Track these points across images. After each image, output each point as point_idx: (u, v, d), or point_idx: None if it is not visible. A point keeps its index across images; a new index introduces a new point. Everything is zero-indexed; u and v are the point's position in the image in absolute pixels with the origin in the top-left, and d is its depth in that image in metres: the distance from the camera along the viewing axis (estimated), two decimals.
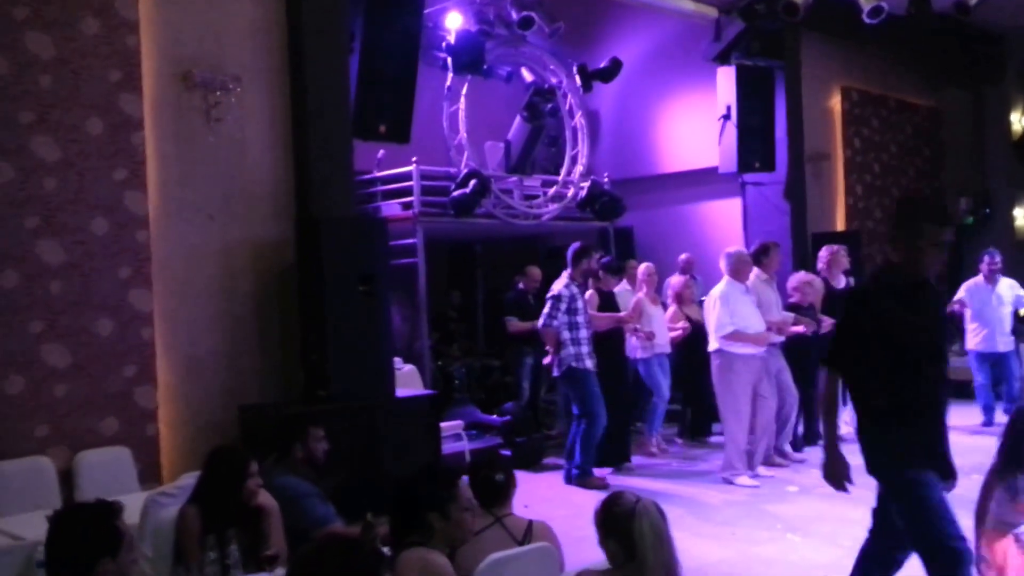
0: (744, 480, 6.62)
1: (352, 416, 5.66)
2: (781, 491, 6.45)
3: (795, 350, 7.28)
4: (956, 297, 8.61)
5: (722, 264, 6.89)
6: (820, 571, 4.75)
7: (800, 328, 7.26)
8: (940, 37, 10.83)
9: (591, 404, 6.81)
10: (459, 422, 7.49)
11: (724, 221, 10.67)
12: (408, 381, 7.10)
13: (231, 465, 3.41)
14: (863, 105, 11.48)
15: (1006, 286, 8.57)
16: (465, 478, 2.96)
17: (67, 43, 5.25)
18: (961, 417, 8.72)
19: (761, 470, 6.89)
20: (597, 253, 7.36)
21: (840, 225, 11.06)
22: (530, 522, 3.07)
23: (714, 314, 6.68)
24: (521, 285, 8.57)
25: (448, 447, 7.01)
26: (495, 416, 8.65)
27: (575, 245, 7.18)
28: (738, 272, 6.78)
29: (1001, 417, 8.50)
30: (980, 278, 8.62)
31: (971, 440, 8.06)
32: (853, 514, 5.71)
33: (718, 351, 6.69)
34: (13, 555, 3.37)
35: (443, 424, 7.00)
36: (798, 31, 10.19)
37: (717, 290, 6.81)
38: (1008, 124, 12.80)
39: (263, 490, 3.47)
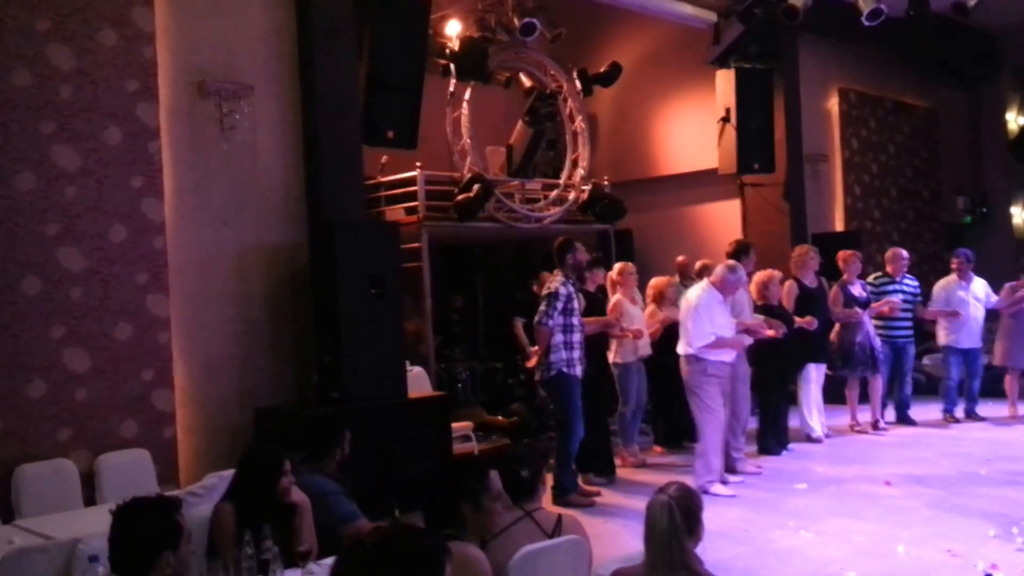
0: (720, 489, 6.40)
1: (365, 417, 5.76)
2: (790, 488, 6.52)
3: (766, 353, 7.26)
4: (934, 298, 8.86)
5: (718, 270, 6.62)
6: (836, 566, 4.80)
7: (771, 332, 7.21)
8: (935, 38, 10.98)
9: (571, 415, 6.37)
10: (469, 423, 7.57)
11: (723, 223, 10.77)
12: (417, 383, 7.19)
13: (266, 463, 3.52)
14: (860, 106, 11.62)
15: (979, 285, 8.80)
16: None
17: (87, 54, 5.36)
18: (927, 413, 8.90)
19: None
20: (580, 244, 6.76)
21: (839, 225, 11.19)
22: (559, 515, 3.16)
23: (692, 322, 6.45)
24: (535, 288, 8.62)
25: (458, 448, 7.09)
26: (501, 417, 8.76)
27: (558, 241, 6.71)
28: (726, 288, 6.54)
29: (960, 413, 8.80)
30: (953, 276, 8.83)
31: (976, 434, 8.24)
32: (865, 511, 5.84)
33: (694, 356, 6.44)
34: (50, 553, 3.44)
35: (453, 425, 7.08)
36: (795, 34, 10.33)
37: (694, 295, 6.56)
38: (1004, 123, 12.93)
39: (295, 487, 3.58)
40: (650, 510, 2.65)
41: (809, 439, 8.12)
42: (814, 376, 8.11)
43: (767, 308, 7.51)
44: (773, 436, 7.73)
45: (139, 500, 2.60)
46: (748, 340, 6.98)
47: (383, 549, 1.83)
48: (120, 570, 2.52)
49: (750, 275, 7.48)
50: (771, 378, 7.34)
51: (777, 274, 7.78)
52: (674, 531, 2.61)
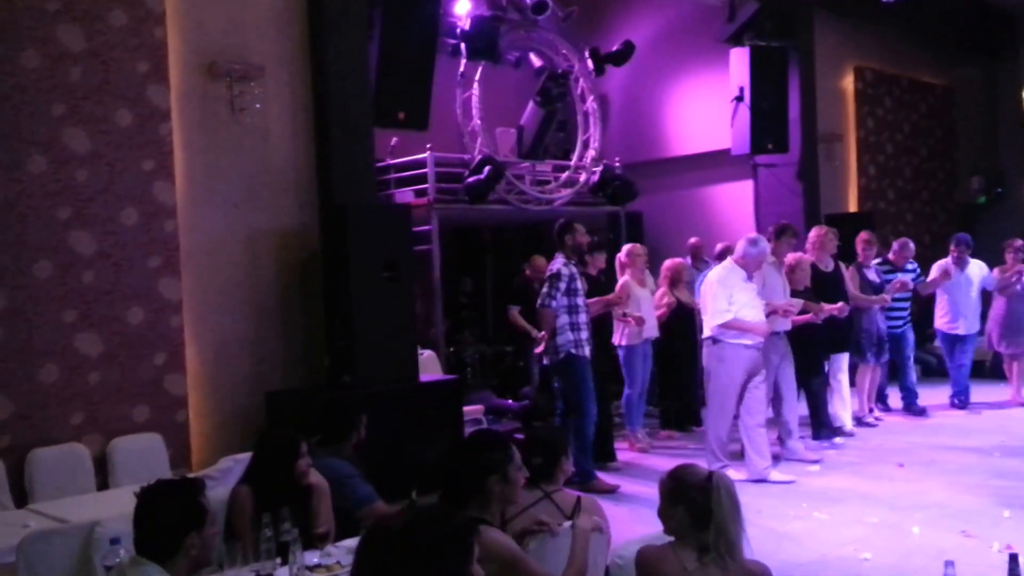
0: (731, 474, 6.23)
1: (377, 401, 5.74)
2: (803, 471, 6.50)
3: (798, 339, 7.03)
4: (931, 277, 8.69)
5: (739, 246, 6.38)
6: (850, 547, 4.78)
7: (809, 316, 7.05)
8: (952, 16, 10.84)
9: (583, 397, 6.28)
10: (480, 407, 7.55)
11: (736, 204, 10.68)
12: (428, 366, 7.18)
13: (284, 446, 3.50)
14: (876, 85, 11.48)
15: (975, 268, 8.68)
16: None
17: (97, 35, 5.32)
18: (934, 397, 8.82)
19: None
20: (580, 225, 6.63)
21: (853, 206, 11.09)
22: (579, 497, 3.14)
23: (711, 299, 6.23)
24: (528, 272, 8.55)
25: (469, 431, 7.06)
26: (511, 401, 8.74)
27: (559, 223, 6.62)
28: (748, 263, 6.29)
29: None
30: (949, 260, 8.68)
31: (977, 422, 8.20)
32: (877, 492, 5.82)
33: (712, 339, 6.26)
34: (68, 536, 3.44)
35: (464, 408, 7.05)
36: (811, 11, 10.20)
37: (715, 274, 6.40)
38: (1021, 103, 12.78)
39: (312, 469, 3.57)
40: (725, 481, 2.56)
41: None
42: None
43: (793, 292, 7.17)
44: (819, 424, 7.53)
45: (164, 482, 2.61)
46: (781, 324, 6.70)
47: (410, 529, 1.81)
48: (145, 552, 2.52)
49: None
50: (802, 365, 7.11)
51: (807, 257, 7.49)
52: (738, 511, 2.57)
